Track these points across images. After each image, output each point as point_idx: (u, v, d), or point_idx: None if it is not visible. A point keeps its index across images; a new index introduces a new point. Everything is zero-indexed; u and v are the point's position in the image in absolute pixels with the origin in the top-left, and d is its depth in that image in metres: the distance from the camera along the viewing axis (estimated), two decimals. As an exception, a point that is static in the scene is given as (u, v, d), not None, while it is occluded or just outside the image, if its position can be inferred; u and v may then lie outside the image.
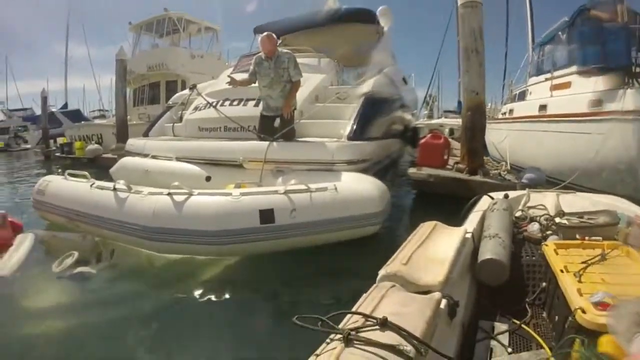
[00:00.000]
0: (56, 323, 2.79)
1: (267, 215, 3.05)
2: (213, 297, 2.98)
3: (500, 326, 1.66)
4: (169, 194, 3.34)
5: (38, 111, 22.92)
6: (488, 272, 1.83)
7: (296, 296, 2.95)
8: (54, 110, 23.50)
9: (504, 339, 1.57)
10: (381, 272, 1.51)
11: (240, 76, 5.34)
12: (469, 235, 2.05)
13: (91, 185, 3.82)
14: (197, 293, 3.01)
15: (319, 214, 3.15)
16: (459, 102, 21.24)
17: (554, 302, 1.71)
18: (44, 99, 18.13)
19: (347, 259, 3.29)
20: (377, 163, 4.62)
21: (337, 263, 3.28)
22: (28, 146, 24.50)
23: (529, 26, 12.47)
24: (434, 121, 18.18)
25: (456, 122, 11.37)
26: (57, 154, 15.18)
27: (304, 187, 3.23)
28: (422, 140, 5.88)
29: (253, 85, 4.51)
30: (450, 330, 1.47)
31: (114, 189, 3.61)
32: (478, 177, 4.98)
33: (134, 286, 3.21)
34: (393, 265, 1.53)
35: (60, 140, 16.98)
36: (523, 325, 1.65)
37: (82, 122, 18.63)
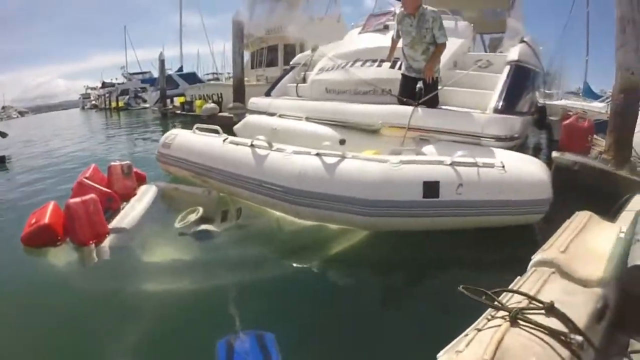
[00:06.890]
0: (172, 281, 2.75)
1: (431, 188, 2.69)
2: (337, 271, 2.78)
3: (635, 344, 1.46)
4: (317, 154, 3.04)
5: (156, 74, 24.45)
6: (637, 280, 1.58)
7: (429, 279, 2.71)
8: (170, 72, 24.89)
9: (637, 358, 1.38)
10: (536, 257, 1.47)
11: (369, 36, 5.05)
12: (622, 235, 1.82)
13: (224, 140, 3.71)
14: (323, 265, 2.81)
15: (487, 194, 2.71)
16: (587, 85, 18.38)
17: None
18: (162, 62, 19.35)
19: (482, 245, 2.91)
20: (522, 143, 4.08)
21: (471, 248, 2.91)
22: (147, 105, 26.23)
23: None
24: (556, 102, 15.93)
25: (579, 105, 9.67)
26: (177, 112, 16.54)
27: (472, 160, 2.81)
28: (566, 122, 5.08)
29: (388, 46, 4.15)
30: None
31: (252, 145, 3.43)
32: (626, 173, 4.11)
33: (258, 250, 3.10)
34: (550, 251, 1.48)
35: (177, 100, 18.38)
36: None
37: (198, 83, 19.42)
